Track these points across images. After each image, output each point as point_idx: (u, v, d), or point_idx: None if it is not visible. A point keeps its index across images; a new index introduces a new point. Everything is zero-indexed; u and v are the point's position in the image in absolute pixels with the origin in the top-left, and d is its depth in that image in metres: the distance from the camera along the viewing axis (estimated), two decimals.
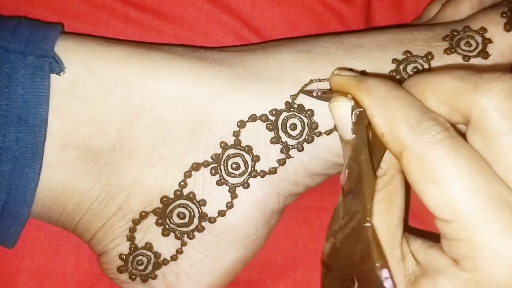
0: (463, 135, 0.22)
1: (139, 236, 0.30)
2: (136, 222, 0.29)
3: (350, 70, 0.28)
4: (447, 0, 0.34)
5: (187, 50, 0.30)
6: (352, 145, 0.24)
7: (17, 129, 0.27)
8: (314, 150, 0.29)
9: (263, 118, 0.29)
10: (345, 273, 0.23)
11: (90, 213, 0.29)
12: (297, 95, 0.29)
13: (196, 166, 0.29)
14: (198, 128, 0.29)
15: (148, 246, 0.30)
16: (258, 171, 0.29)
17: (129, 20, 0.34)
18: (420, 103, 0.23)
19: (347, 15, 0.36)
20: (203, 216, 0.29)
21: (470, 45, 0.29)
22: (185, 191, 0.29)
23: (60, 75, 0.28)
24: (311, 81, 0.29)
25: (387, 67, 0.29)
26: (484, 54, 0.29)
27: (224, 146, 0.29)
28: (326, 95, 0.26)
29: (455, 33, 0.30)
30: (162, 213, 0.29)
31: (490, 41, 0.29)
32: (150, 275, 0.30)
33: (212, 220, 0.29)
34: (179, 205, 0.29)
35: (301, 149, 0.29)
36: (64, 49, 0.28)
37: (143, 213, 0.29)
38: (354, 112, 0.24)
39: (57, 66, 0.27)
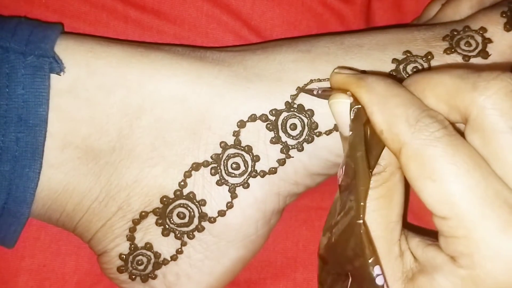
0: (462, 134, 0.22)
1: (139, 236, 0.30)
2: (136, 222, 0.29)
3: (350, 69, 0.28)
4: (447, 0, 0.34)
5: (187, 50, 0.30)
6: (349, 142, 0.24)
7: (17, 129, 0.27)
8: (314, 150, 0.29)
9: (263, 118, 0.29)
10: (340, 268, 0.24)
11: (90, 213, 0.29)
12: (297, 94, 0.29)
13: (196, 166, 0.29)
14: (198, 128, 0.29)
15: (148, 246, 0.30)
16: (258, 171, 0.29)
17: (129, 20, 0.34)
18: (419, 101, 0.23)
19: (347, 15, 0.36)
20: (203, 216, 0.29)
21: (470, 45, 0.29)
22: (185, 191, 0.29)
23: (60, 75, 0.28)
24: (311, 81, 0.29)
25: (387, 67, 0.29)
26: (484, 54, 0.29)
27: (224, 146, 0.29)
28: (327, 93, 0.26)
29: (455, 33, 0.30)
30: (162, 213, 0.29)
31: (490, 41, 0.29)
32: (150, 275, 0.30)
33: (212, 220, 0.29)
34: (179, 205, 0.29)
35: (301, 149, 0.29)
36: (64, 49, 0.28)
37: (143, 213, 0.29)
38: (352, 109, 0.24)
39: (57, 66, 0.27)
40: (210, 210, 0.29)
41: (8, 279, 0.32)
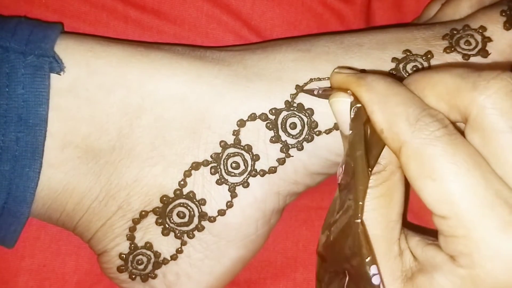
0: (462, 133, 0.22)
1: (139, 236, 0.30)
2: (136, 222, 0.29)
3: (351, 68, 0.28)
4: (447, 0, 0.34)
5: (187, 49, 0.30)
6: (348, 141, 0.24)
7: (17, 129, 0.27)
8: (313, 149, 0.29)
9: (263, 117, 0.29)
10: (338, 266, 0.24)
11: (90, 212, 0.29)
12: (297, 94, 0.29)
13: (196, 165, 0.29)
14: (198, 127, 0.29)
15: (148, 246, 0.30)
16: (257, 170, 0.29)
17: (129, 20, 0.34)
18: (419, 100, 0.23)
19: (347, 15, 0.36)
20: (203, 216, 0.29)
21: (470, 43, 0.29)
22: (185, 190, 0.29)
23: (60, 75, 0.28)
24: (311, 80, 0.29)
25: (387, 66, 0.29)
26: (484, 52, 0.29)
27: (224, 145, 0.29)
28: (327, 93, 0.26)
29: (455, 32, 0.30)
30: (162, 213, 0.29)
31: (489, 39, 0.29)
32: (150, 275, 0.30)
33: (212, 220, 0.29)
34: (179, 204, 0.29)
35: (300, 148, 0.29)
36: (64, 48, 0.28)
37: (143, 213, 0.29)
38: (352, 108, 0.24)
39: (57, 66, 0.27)
40: (210, 209, 0.29)
41: (8, 279, 0.32)
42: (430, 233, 0.24)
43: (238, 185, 0.29)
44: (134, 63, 0.29)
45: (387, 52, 0.29)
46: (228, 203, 0.29)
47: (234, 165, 0.29)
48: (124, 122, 0.28)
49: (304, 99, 0.29)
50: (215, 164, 0.29)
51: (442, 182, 0.21)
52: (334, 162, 0.29)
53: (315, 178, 0.30)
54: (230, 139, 0.29)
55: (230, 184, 0.29)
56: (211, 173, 0.29)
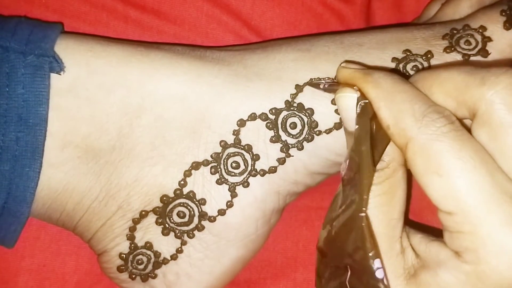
0: (469, 130, 0.22)
1: (139, 235, 0.30)
2: (136, 221, 0.29)
3: (358, 63, 0.28)
4: (447, 0, 0.34)
5: (187, 49, 0.30)
6: (354, 136, 0.24)
7: (17, 129, 0.27)
8: (314, 149, 0.29)
9: (263, 117, 0.29)
10: (339, 261, 0.24)
11: (90, 212, 0.29)
12: (297, 93, 0.29)
13: (196, 165, 0.29)
14: (198, 127, 0.29)
15: (148, 245, 0.30)
16: (258, 170, 0.29)
17: (129, 20, 0.34)
18: (425, 97, 0.23)
19: (347, 15, 0.36)
20: (203, 215, 0.29)
21: (470, 43, 0.29)
22: (185, 190, 0.29)
23: (60, 74, 0.28)
24: (311, 80, 0.29)
25: (386, 66, 0.29)
26: (484, 52, 0.29)
27: (224, 145, 0.29)
28: (333, 88, 0.27)
29: (455, 31, 0.30)
30: (162, 212, 0.29)
31: (489, 39, 0.29)
32: (150, 275, 0.30)
33: (212, 219, 0.29)
34: (179, 204, 0.29)
35: (301, 148, 0.29)
36: (64, 48, 0.28)
37: (143, 212, 0.29)
38: (359, 104, 0.24)
39: (57, 66, 0.27)
40: (210, 209, 0.29)
41: (8, 279, 0.32)
42: (430, 232, 0.24)
43: (238, 185, 0.29)
44: (134, 63, 0.29)
45: (387, 52, 0.29)
46: (228, 203, 0.29)
47: (234, 164, 0.29)
48: (124, 122, 0.28)
49: (304, 99, 0.29)
50: (215, 164, 0.29)
51: (449, 178, 0.21)
52: (334, 162, 0.29)
53: (315, 178, 0.30)
54: (230, 139, 0.29)
55: (230, 183, 0.29)
56: (211, 172, 0.29)
